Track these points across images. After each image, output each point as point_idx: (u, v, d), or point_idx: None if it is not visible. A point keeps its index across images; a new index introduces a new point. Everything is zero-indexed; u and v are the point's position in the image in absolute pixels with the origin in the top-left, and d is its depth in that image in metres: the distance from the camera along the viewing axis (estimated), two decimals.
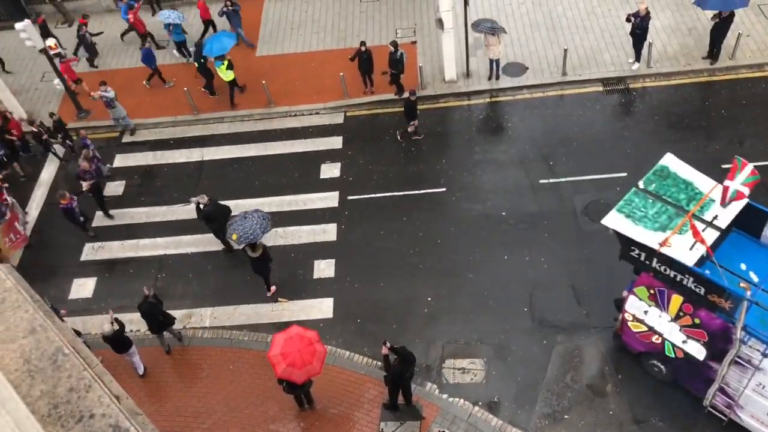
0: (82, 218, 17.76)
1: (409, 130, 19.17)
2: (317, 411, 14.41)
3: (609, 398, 13.99)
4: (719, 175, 17.37)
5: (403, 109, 18.93)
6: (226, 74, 20.41)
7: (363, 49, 19.98)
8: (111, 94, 19.80)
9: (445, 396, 14.42)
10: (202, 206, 16.47)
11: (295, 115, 20.81)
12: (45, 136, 19.57)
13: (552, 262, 16.27)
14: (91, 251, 17.98)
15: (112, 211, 18.59)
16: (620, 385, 14.13)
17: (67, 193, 17.16)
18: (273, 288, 16.45)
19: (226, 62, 20.20)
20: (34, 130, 19.46)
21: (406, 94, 19.04)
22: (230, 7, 21.98)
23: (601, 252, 16.20)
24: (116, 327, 14.42)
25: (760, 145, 17.92)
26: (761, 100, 19.14)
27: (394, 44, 19.90)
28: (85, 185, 17.65)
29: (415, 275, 16.37)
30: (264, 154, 19.68)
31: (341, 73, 20.71)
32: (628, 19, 19.50)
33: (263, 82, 20.71)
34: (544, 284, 15.84)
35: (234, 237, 15.52)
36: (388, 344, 13.12)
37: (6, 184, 18.09)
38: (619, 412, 13.76)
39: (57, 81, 21.19)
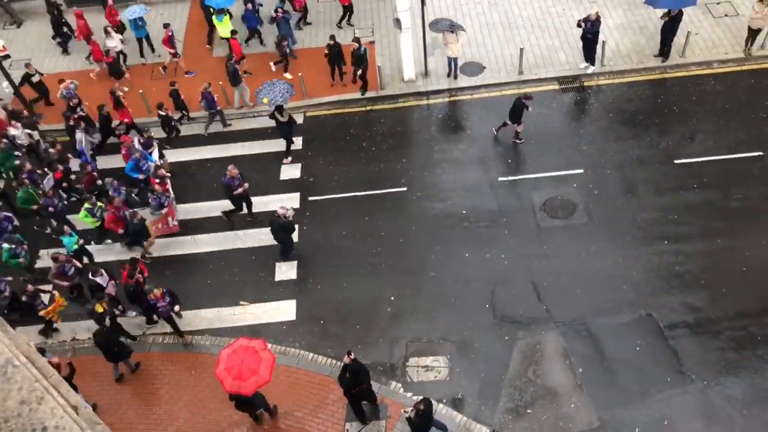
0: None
1: (518, 130, 18.72)
2: (282, 414, 14.31)
3: (571, 392, 14.21)
4: (671, 169, 18.00)
5: (512, 109, 18.37)
6: (224, 27, 21.09)
7: (332, 43, 20.08)
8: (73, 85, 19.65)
9: (409, 394, 14.46)
10: (284, 218, 16.03)
11: (254, 116, 20.62)
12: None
13: (512, 258, 16.47)
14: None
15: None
16: (582, 378, 14.37)
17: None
18: (289, 158, 18.91)
19: (227, 16, 20.78)
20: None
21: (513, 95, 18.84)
22: (281, 14, 21.38)
23: (559, 248, 16.53)
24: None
25: (710, 141, 18.44)
26: (710, 96, 19.69)
27: (357, 40, 20.08)
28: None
29: (378, 275, 16.39)
30: (223, 155, 19.46)
31: (299, 74, 20.62)
32: (579, 25, 19.85)
33: (220, 83, 20.48)
34: (504, 281, 16.02)
35: (265, 100, 18.21)
36: (352, 355, 13.04)
37: (169, 174, 17.84)
38: (581, 405, 13.99)
39: (6, 84, 20.60)
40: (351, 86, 20.96)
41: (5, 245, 16.26)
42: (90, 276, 15.56)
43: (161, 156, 18.88)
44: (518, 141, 18.92)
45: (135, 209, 17.13)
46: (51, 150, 18.50)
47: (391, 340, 15.36)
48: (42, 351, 13.93)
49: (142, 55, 22.65)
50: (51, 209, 17.25)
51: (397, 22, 19.92)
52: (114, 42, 21.83)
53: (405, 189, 18.26)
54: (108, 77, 21.70)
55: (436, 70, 21.23)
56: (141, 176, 17.94)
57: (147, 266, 16.28)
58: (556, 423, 13.80)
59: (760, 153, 18.00)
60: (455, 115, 20.24)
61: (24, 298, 15.32)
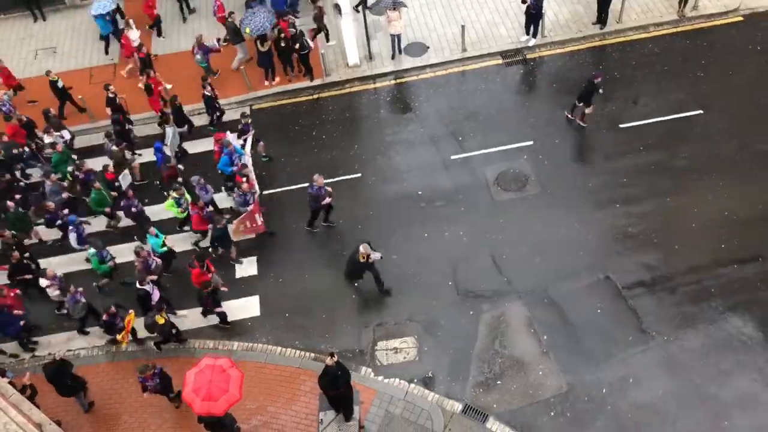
0: None
1: (587, 112, 18.20)
2: (255, 410, 14.25)
3: (538, 359, 14.49)
4: (617, 134, 18.36)
5: (583, 91, 17.95)
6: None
7: (282, 35, 19.79)
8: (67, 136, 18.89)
9: (380, 378, 14.55)
10: (363, 257, 14.90)
11: (198, 114, 20.27)
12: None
13: (470, 234, 16.64)
14: None
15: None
16: (547, 345, 14.66)
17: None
18: (277, 79, 19.79)
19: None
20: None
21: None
22: None
23: (515, 219, 16.76)
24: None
25: (652, 103, 18.85)
26: (649, 60, 20.12)
27: (293, 25, 19.90)
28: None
29: (340, 263, 16.35)
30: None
31: (242, 67, 20.32)
32: (524, 1, 19.99)
33: (168, 86, 20.06)
34: (465, 257, 16.18)
35: (248, 30, 18.46)
36: (335, 358, 12.95)
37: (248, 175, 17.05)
38: (548, 372, 14.28)
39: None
40: (296, 76, 20.77)
41: (91, 250, 15.75)
42: (138, 285, 15.07)
43: (257, 140, 18.18)
44: (583, 124, 18.38)
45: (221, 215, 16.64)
46: (114, 148, 17.86)
47: (358, 326, 15.41)
48: (2, 372, 13.61)
49: (107, 53, 22.05)
50: (134, 209, 16.71)
51: (337, 8, 19.80)
52: (134, 34, 20.98)
53: (359, 175, 18.23)
54: (137, 74, 20.79)
55: (380, 53, 21.18)
56: (234, 169, 17.11)
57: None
58: (526, 391, 14.08)
59: (701, 111, 18.51)
60: (403, 97, 20.24)
61: (104, 318, 14.73)
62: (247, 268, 16.57)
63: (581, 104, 18.04)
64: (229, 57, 21.08)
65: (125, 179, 17.53)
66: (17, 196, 17.13)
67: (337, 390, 13.17)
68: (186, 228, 17.25)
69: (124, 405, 14.71)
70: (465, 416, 13.84)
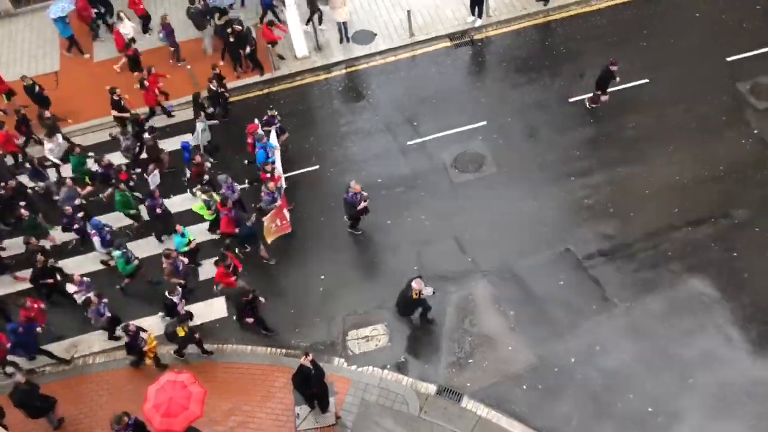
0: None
1: (603, 99, 18.06)
2: (230, 410, 14.20)
3: (506, 336, 14.73)
4: (567, 108, 18.65)
5: (599, 78, 17.83)
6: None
7: (239, 28, 19.59)
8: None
9: (353, 367, 14.63)
10: (416, 293, 14.16)
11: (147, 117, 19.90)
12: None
13: (432, 218, 16.77)
14: None
15: None
16: (514, 321, 14.91)
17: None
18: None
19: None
20: None
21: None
22: None
23: (475, 200, 16.94)
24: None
25: (598, 76, 19.14)
26: (594, 32, 20.45)
27: (239, 22, 19.78)
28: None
29: (304, 257, 16.35)
30: (124, 161, 18.71)
31: (189, 66, 20.03)
32: None
33: (107, 87, 19.61)
34: (428, 240, 16.30)
35: None
36: (310, 357, 12.92)
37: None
38: (518, 347, 14.54)
39: None
40: (245, 72, 20.58)
41: (116, 252, 15.38)
42: (167, 294, 14.68)
43: (283, 131, 17.83)
44: (594, 105, 18.35)
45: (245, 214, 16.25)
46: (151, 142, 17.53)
47: (328, 318, 15.43)
48: None
49: (68, 51, 21.55)
50: (158, 210, 16.29)
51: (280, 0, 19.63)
52: (126, 29, 20.50)
53: (317, 167, 18.19)
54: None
55: (328, 42, 21.08)
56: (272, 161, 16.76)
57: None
58: (497, 367, 14.32)
59: (647, 80, 18.92)
60: (355, 86, 20.21)
61: (127, 339, 14.28)
62: (212, 269, 16.37)
63: (599, 92, 17.93)
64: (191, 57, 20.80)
65: (154, 179, 17.11)
66: (22, 203, 16.64)
67: (310, 388, 13.19)
68: (217, 232, 16.85)
69: (95, 419, 14.51)
70: (440, 397, 14.02)
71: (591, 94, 18.35)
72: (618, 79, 17.76)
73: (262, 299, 14.87)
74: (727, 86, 18.55)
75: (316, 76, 20.56)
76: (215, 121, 18.77)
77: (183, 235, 15.66)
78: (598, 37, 20.29)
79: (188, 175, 17.48)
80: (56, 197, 17.25)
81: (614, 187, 16.85)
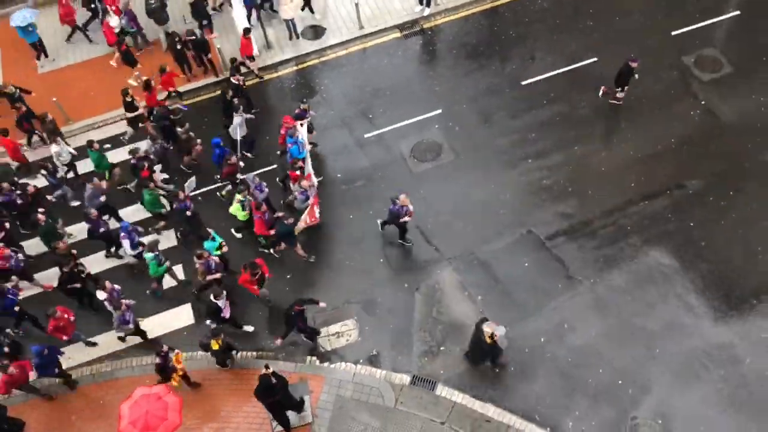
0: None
1: (618, 95, 17.81)
2: (207, 415, 14.05)
3: (476, 320, 14.78)
4: (520, 92, 18.84)
5: (618, 73, 17.38)
6: None
7: (194, 37, 19.41)
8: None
9: (326, 364, 14.60)
10: (489, 338, 13.28)
11: (99, 127, 19.47)
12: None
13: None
14: None
15: None
16: (482, 305, 15.05)
17: None
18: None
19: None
20: None
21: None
22: None
23: (435, 188, 17.01)
24: None
25: (548, 57, 19.41)
26: (541, 15, 20.65)
27: (191, 32, 19.56)
28: None
29: (268, 259, 16.17)
30: (80, 172, 18.24)
31: (136, 72, 19.62)
32: None
33: (54, 99, 19.12)
34: (392, 233, 16.28)
35: None
36: (270, 369, 12.83)
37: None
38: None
39: None
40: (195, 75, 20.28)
41: (149, 255, 15.02)
42: (212, 298, 14.20)
43: (310, 130, 17.37)
44: (614, 102, 18.02)
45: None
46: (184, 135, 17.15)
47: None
48: None
49: (38, 58, 20.97)
50: (189, 213, 15.83)
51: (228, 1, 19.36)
52: (115, 21, 20.06)
53: (275, 166, 18.02)
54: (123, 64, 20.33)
55: (277, 40, 20.87)
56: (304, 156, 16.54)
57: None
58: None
59: (595, 59, 19.21)
60: (307, 82, 20.07)
61: (158, 360, 13.67)
62: (180, 270, 16.10)
63: (618, 87, 17.67)
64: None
65: (190, 185, 16.70)
66: (41, 209, 16.23)
67: (273, 398, 13.08)
68: (239, 234, 16.63)
69: None
70: (414, 387, 14.09)
71: (606, 88, 18.03)
72: (637, 76, 17.41)
73: (322, 304, 14.55)
74: (673, 60, 18.96)
75: (268, 74, 20.34)
76: (251, 116, 18.24)
77: (214, 239, 15.30)
78: (545, 19, 20.51)
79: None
80: (73, 203, 17.29)
81: (571, 167, 17.10)
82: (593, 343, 14.34)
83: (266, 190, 16.37)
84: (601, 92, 18.16)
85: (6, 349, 14.37)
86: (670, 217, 16.00)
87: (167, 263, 15.46)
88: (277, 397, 13.07)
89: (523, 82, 18.96)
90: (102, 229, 15.96)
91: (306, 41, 20.80)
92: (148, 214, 16.97)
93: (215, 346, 13.79)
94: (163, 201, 16.95)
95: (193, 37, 19.47)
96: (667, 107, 17.99)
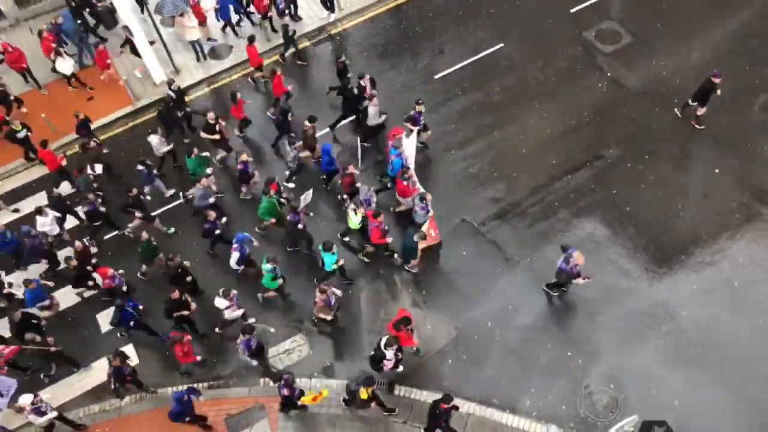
0: None
1: (699, 113, 16.86)
2: None
3: (423, 315, 14.94)
4: (434, 85, 19.03)
5: (699, 89, 16.59)
6: None
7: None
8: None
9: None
10: None
11: (9, 176, 18.61)
12: None
13: (327, 219, 16.72)
14: None
15: None
16: (427, 300, 15.15)
17: None
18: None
19: None
20: None
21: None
22: None
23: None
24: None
25: (456, 49, 19.75)
26: (444, 8, 21.00)
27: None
28: None
29: (206, 286, 15.79)
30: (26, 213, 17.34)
31: (42, 114, 18.84)
32: None
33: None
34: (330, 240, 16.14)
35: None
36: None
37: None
38: (436, 324, 14.79)
39: None
40: (105, 108, 19.60)
41: (268, 266, 14.40)
42: (382, 347, 13.05)
43: (426, 127, 16.80)
44: (699, 127, 17.03)
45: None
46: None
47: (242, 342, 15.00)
48: None
49: None
50: (300, 226, 15.39)
51: (126, 29, 18.85)
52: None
53: None
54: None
55: (185, 63, 20.46)
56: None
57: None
58: (423, 347, 14.49)
59: (502, 45, 19.66)
60: (222, 102, 19.71)
61: (286, 392, 12.85)
62: (106, 318, 15.44)
63: (695, 103, 16.84)
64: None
65: (306, 198, 15.91)
66: (139, 214, 16.18)
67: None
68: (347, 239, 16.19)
69: None
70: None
71: (684, 107, 17.31)
72: (720, 92, 16.46)
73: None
74: (575, 36, 19.61)
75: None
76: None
77: (333, 252, 14.64)
78: (449, 11, 20.86)
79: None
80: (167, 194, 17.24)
81: (494, 152, 17.43)
82: (539, 320, 14.66)
83: (375, 200, 15.89)
84: (679, 112, 17.44)
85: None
86: (594, 187, 16.52)
87: (281, 280, 14.92)
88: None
89: (436, 76, 19.21)
90: (218, 231, 15.59)
91: (214, 61, 20.47)
92: None
93: (364, 396, 12.68)
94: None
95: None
96: (575, 82, 18.58)
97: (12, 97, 19.23)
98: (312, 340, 14.92)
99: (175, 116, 18.26)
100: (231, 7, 20.47)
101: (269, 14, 20.43)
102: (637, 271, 15.10)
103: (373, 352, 13.36)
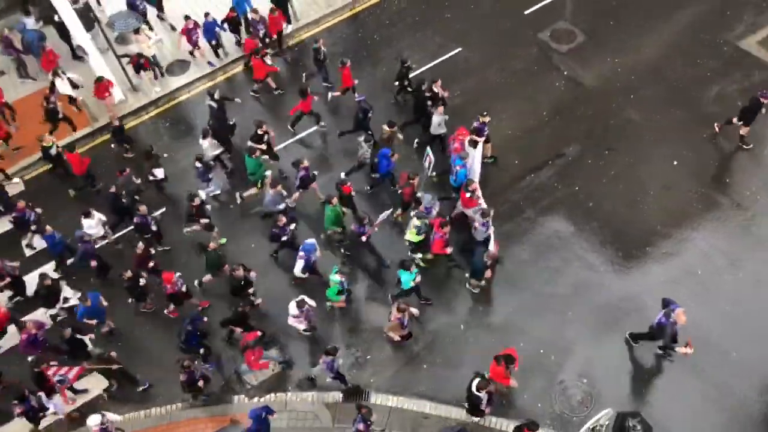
0: None
1: (742, 133, 16.45)
2: None
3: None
4: (394, 91, 19.04)
5: (746, 108, 16.19)
6: None
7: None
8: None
9: (256, 399, 14.21)
10: None
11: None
12: None
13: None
14: None
15: None
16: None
17: None
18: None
19: None
20: None
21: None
22: None
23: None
24: None
25: (415, 55, 19.74)
26: (400, 15, 21.17)
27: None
28: None
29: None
30: None
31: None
32: None
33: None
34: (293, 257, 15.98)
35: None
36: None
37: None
38: (410, 330, 14.75)
39: None
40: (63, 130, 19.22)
41: (336, 278, 14.25)
42: (475, 390, 12.58)
43: (488, 140, 16.36)
44: (746, 146, 16.60)
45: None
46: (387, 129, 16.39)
47: (214, 358, 14.81)
48: None
49: None
50: (364, 239, 15.06)
51: (80, 49, 18.58)
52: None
53: (163, 209, 17.41)
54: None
55: (142, 83, 20.17)
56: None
57: None
58: (396, 355, 14.52)
59: (459, 48, 19.84)
60: (182, 118, 19.57)
61: (361, 427, 12.44)
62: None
63: (740, 123, 16.37)
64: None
65: (384, 216, 15.39)
66: (204, 221, 16.13)
67: None
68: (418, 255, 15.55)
69: None
70: (348, 402, 13.94)
71: (719, 124, 16.94)
72: (765, 111, 16.17)
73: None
74: (531, 38, 19.89)
75: (139, 118, 19.67)
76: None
77: (412, 271, 14.19)
78: (405, 18, 21.01)
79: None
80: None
81: None
82: (511, 318, 14.74)
83: (435, 211, 15.57)
84: (717, 128, 17.08)
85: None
86: (557, 185, 16.72)
87: (345, 294, 14.77)
88: None
89: (397, 83, 19.22)
90: (285, 237, 15.42)
91: (172, 77, 20.28)
92: None
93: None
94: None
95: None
96: (533, 83, 18.82)
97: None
98: (286, 355, 14.75)
99: (227, 124, 17.93)
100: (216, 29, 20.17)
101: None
102: (603, 266, 15.30)
103: (467, 398, 13.00)
